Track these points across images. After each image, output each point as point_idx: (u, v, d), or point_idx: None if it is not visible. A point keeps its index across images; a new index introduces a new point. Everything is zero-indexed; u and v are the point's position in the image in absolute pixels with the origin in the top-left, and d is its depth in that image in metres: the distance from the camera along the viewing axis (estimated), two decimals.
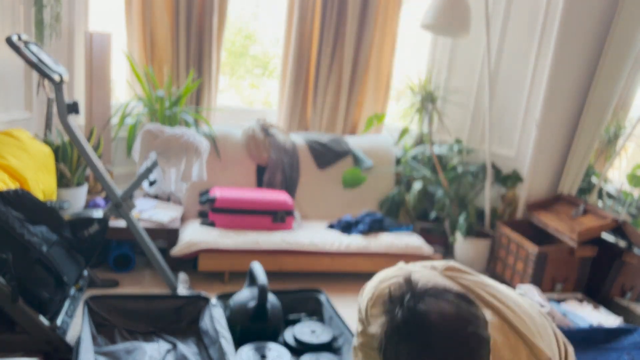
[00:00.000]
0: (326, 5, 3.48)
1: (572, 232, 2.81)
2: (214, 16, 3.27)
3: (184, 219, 3.15)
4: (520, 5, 3.34)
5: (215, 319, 2.12)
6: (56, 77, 2.26)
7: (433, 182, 3.44)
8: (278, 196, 3.13)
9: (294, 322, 2.38)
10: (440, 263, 1.20)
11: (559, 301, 2.72)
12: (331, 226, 3.27)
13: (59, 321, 2.01)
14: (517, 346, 1.05)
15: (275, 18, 3.75)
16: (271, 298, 2.25)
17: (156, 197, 3.24)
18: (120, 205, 2.49)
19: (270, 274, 2.63)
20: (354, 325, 1.69)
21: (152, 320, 2.25)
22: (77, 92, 3.22)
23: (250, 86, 4.06)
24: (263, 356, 2.03)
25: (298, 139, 3.52)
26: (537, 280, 2.86)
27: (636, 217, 3.04)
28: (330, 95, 3.65)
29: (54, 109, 2.85)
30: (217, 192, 3.03)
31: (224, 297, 2.37)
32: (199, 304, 2.30)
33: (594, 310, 2.63)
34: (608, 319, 2.52)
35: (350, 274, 3.13)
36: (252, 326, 2.15)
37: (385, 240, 3.10)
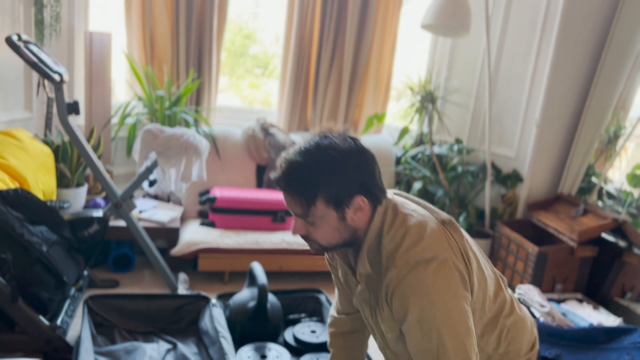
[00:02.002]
0: (326, 5, 3.48)
1: (572, 232, 2.81)
2: (214, 16, 3.27)
3: (184, 219, 3.15)
4: (520, 5, 3.33)
5: (215, 319, 2.12)
6: (56, 77, 2.26)
7: (433, 182, 3.44)
8: (278, 196, 3.13)
9: (294, 322, 2.38)
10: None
11: (559, 301, 2.72)
12: None
13: (58, 321, 2.01)
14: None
15: (275, 18, 3.75)
16: (271, 298, 2.25)
17: (156, 197, 3.23)
18: (120, 205, 2.48)
19: (270, 274, 2.63)
20: None
21: (152, 320, 2.25)
22: (77, 92, 3.22)
23: (250, 86, 4.05)
24: (263, 356, 2.03)
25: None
26: (537, 281, 2.86)
27: (636, 217, 3.04)
28: (330, 95, 3.64)
29: (54, 109, 2.85)
30: (217, 192, 3.03)
31: (224, 297, 2.37)
32: (199, 304, 2.30)
33: (594, 311, 2.63)
34: (608, 319, 2.52)
35: None
36: (252, 326, 2.15)
37: None
